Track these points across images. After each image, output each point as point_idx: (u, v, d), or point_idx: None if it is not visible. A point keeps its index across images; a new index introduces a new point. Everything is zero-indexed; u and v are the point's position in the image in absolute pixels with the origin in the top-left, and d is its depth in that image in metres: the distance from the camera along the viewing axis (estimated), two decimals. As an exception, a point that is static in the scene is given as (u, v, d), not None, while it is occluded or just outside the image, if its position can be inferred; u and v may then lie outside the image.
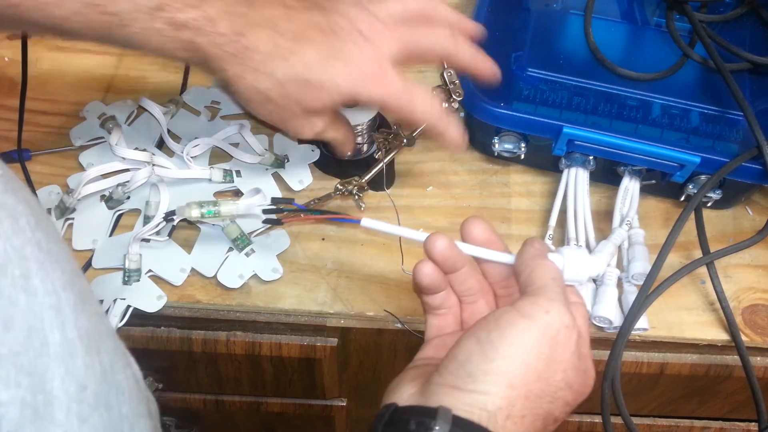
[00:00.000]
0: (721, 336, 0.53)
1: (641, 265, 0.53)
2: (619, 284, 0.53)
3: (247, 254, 0.54)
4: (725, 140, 0.56)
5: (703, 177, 0.55)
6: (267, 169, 0.59)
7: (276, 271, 0.54)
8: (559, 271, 0.39)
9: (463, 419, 0.33)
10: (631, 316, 0.50)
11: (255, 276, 0.53)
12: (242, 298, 0.53)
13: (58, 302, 0.28)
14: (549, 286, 0.37)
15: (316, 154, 0.60)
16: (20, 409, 0.25)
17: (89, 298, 0.31)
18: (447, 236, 0.40)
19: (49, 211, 0.55)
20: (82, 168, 0.58)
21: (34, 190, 0.56)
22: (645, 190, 0.58)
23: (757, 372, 0.56)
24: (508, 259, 0.41)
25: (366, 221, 0.44)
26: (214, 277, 0.53)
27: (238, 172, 0.58)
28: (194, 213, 0.50)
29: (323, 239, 0.56)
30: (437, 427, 0.33)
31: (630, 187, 0.57)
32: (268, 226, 0.55)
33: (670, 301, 0.54)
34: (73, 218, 0.56)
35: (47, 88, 0.64)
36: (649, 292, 0.50)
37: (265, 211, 0.49)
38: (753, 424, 0.68)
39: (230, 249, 0.54)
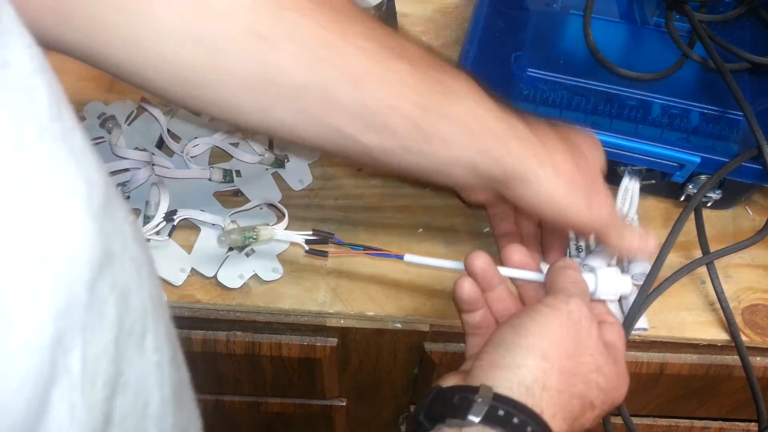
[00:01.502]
0: (721, 336, 0.53)
1: (641, 265, 0.53)
2: None
3: (247, 254, 0.54)
4: (725, 140, 0.56)
5: (703, 177, 0.55)
6: (267, 169, 0.59)
7: (276, 271, 0.54)
8: (582, 279, 0.43)
9: (503, 395, 0.35)
10: (630, 316, 0.50)
11: (255, 276, 0.53)
12: (242, 298, 0.53)
13: (161, 358, 0.27)
14: (568, 287, 0.41)
15: (315, 154, 0.60)
16: None
17: (178, 349, 0.30)
18: (486, 254, 0.43)
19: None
20: (82, 168, 0.58)
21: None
22: (645, 190, 0.58)
23: (757, 372, 0.56)
24: (540, 277, 0.44)
25: (409, 257, 0.46)
26: (214, 277, 0.53)
27: (238, 172, 0.58)
28: (235, 237, 0.50)
29: (323, 239, 0.56)
30: (479, 400, 0.35)
31: (630, 187, 0.57)
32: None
33: (670, 301, 0.54)
34: (73, 218, 0.55)
35: (47, 88, 0.64)
36: (649, 292, 0.50)
37: (308, 242, 0.50)
38: (753, 424, 0.68)
39: (230, 249, 0.54)
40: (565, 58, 0.60)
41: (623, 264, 0.54)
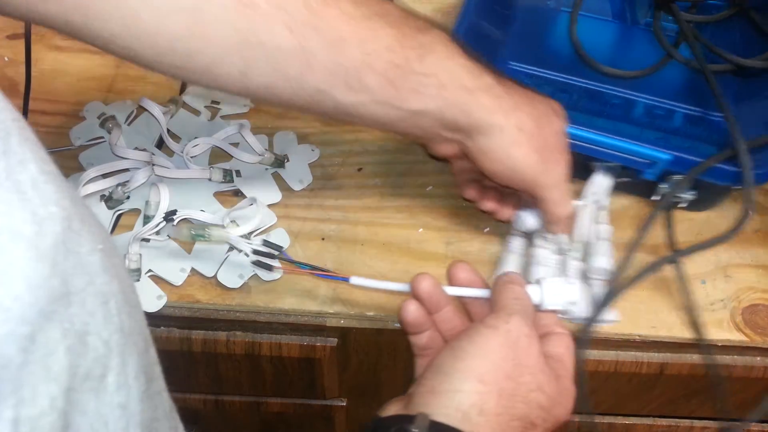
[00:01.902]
0: (721, 336, 0.53)
1: (602, 260, 0.52)
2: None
3: (247, 254, 0.54)
4: (705, 141, 0.55)
5: (679, 177, 0.55)
6: (267, 169, 0.59)
7: (276, 271, 0.53)
8: (525, 294, 0.44)
9: (439, 423, 0.36)
10: (595, 311, 0.50)
11: (255, 276, 0.53)
12: (242, 298, 0.53)
13: (127, 397, 0.25)
14: (510, 304, 0.42)
15: (316, 154, 0.61)
16: None
17: (155, 376, 0.29)
18: (431, 276, 0.44)
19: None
20: (81, 168, 0.58)
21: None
22: (621, 189, 0.58)
23: (757, 372, 0.56)
24: (486, 293, 0.44)
25: (355, 279, 0.46)
26: (214, 277, 0.53)
27: (238, 172, 0.58)
28: (184, 232, 0.50)
29: (323, 239, 0.56)
30: (415, 430, 0.35)
31: (602, 183, 0.56)
32: (269, 225, 0.56)
33: (670, 301, 0.54)
34: (73, 218, 0.55)
35: (47, 88, 0.64)
36: (613, 287, 0.51)
37: (255, 252, 0.49)
38: (753, 423, 0.68)
39: (230, 249, 0.54)
40: (549, 54, 0.61)
41: (586, 259, 0.54)
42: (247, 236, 0.52)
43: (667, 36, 0.61)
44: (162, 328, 0.56)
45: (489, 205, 0.54)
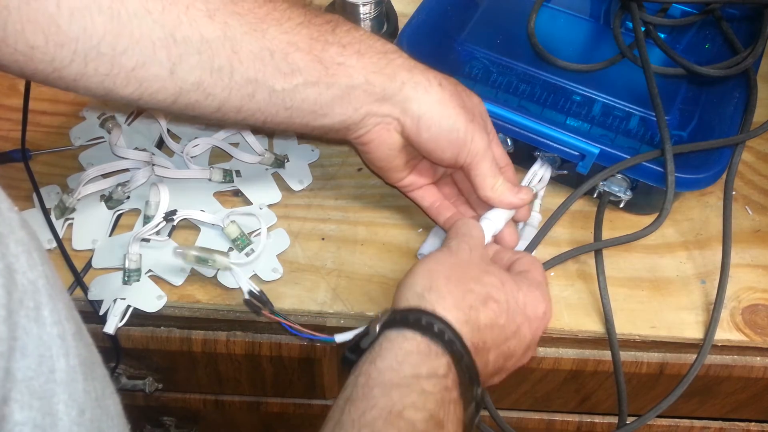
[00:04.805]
0: (723, 336, 0.53)
1: (522, 243, 0.54)
2: None
3: (247, 254, 0.54)
4: (647, 143, 0.55)
5: (619, 177, 0.55)
6: (267, 169, 0.59)
7: (276, 271, 0.54)
8: (473, 223, 0.50)
9: (395, 309, 0.42)
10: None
11: (255, 276, 0.53)
12: (242, 298, 0.53)
13: (63, 332, 0.30)
14: (457, 229, 0.49)
15: (315, 154, 0.61)
16: (31, 430, 0.27)
17: (83, 329, 0.33)
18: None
19: (49, 210, 0.55)
20: (81, 168, 0.58)
21: (37, 190, 0.56)
22: (563, 183, 0.58)
23: (757, 372, 0.56)
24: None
25: (340, 337, 0.47)
26: (214, 277, 0.53)
27: (238, 172, 0.58)
28: (189, 256, 0.50)
29: (323, 239, 0.56)
30: (381, 316, 0.42)
31: (540, 172, 0.57)
32: (269, 225, 0.56)
33: (670, 301, 0.54)
34: (72, 218, 0.56)
35: (47, 88, 0.64)
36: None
37: (247, 301, 0.50)
38: (753, 424, 0.68)
39: (230, 249, 0.54)
40: (507, 40, 0.61)
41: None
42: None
43: (630, 36, 0.61)
44: (162, 328, 0.56)
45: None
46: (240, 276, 0.51)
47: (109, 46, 0.41)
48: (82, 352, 0.31)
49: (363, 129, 0.49)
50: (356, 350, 0.42)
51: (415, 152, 0.52)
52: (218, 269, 0.52)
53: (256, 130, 0.61)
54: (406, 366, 0.38)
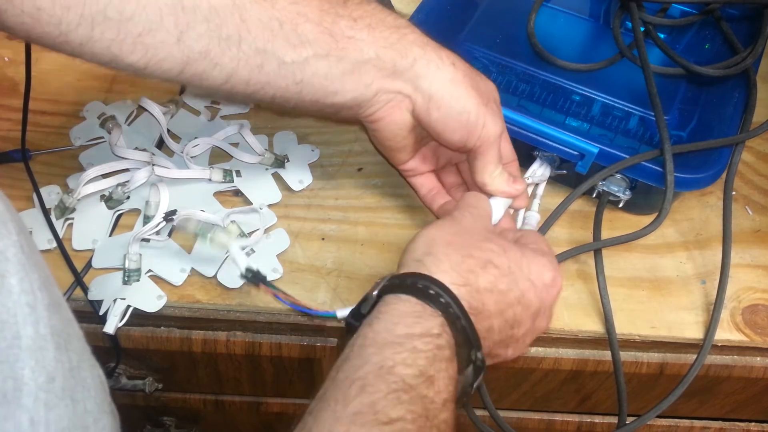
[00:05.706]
0: (723, 336, 0.53)
1: (530, 224, 0.54)
2: None
3: (247, 254, 0.54)
4: (647, 143, 0.55)
5: (619, 176, 0.55)
6: (267, 169, 0.59)
7: (276, 271, 0.54)
8: (481, 197, 0.50)
9: (395, 274, 0.42)
10: None
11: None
12: (242, 298, 0.53)
13: (34, 301, 0.31)
14: (465, 201, 0.49)
15: (315, 154, 0.61)
16: None
17: (61, 303, 0.33)
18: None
19: (49, 210, 0.55)
20: (81, 168, 0.58)
21: (37, 190, 0.56)
22: (562, 182, 0.58)
23: (757, 372, 0.56)
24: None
25: (341, 312, 0.45)
26: (214, 277, 0.53)
27: (238, 172, 0.58)
28: (190, 226, 0.50)
29: (323, 239, 0.56)
30: (381, 283, 0.42)
31: (539, 172, 0.57)
32: (269, 226, 0.56)
33: (670, 301, 0.54)
34: (72, 218, 0.56)
35: (47, 88, 0.64)
36: None
37: (248, 270, 0.48)
38: (753, 424, 0.68)
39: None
40: (506, 40, 0.61)
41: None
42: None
43: (629, 36, 0.61)
44: (162, 328, 0.56)
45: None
46: (237, 253, 0.50)
47: (116, 10, 0.41)
48: (56, 324, 0.31)
49: (374, 107, 0.48)
50: (357, 315, 0.42)
51: (424, 135, 0.51)
52: (217, 249, 0.52)
53: (256, 130, 0.61)
54: (400, 326, 0.39)
